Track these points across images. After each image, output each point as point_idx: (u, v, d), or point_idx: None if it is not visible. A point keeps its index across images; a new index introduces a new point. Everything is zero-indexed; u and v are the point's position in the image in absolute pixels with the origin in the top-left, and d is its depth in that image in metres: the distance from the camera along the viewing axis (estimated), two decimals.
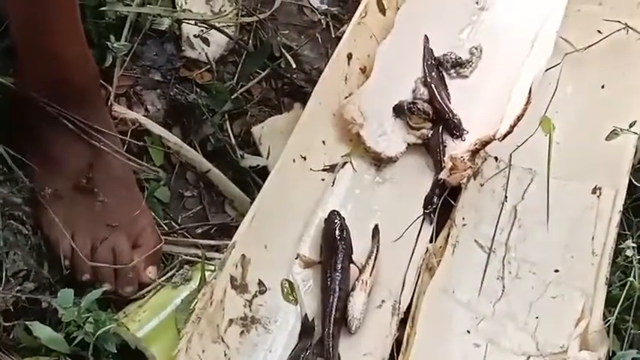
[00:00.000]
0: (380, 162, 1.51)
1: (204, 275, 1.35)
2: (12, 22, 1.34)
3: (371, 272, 1.40)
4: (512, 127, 1.43)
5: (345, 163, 1.49)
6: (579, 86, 1.58)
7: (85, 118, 1.36)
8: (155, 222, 1.43)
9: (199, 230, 1.51)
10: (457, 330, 1.42)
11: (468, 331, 1.41)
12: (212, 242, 1.47)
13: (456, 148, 1.52)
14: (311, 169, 1.47)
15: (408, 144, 1.52)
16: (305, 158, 1.46)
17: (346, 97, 1.50)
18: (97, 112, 1.39)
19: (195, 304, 1.28)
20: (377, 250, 1.42)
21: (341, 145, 1.51)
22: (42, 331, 1.26)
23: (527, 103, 1.42)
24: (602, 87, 1.60)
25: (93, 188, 1.37)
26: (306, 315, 1.37)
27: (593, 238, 1.48)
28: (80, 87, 1.37)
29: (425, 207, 1.49)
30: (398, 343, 1.38)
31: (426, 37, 1.60)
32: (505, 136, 1.44)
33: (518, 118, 1.42)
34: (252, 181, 1.55)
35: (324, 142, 1.49)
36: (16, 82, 1.37)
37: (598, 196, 1.51)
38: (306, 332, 1.37)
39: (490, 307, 1.44)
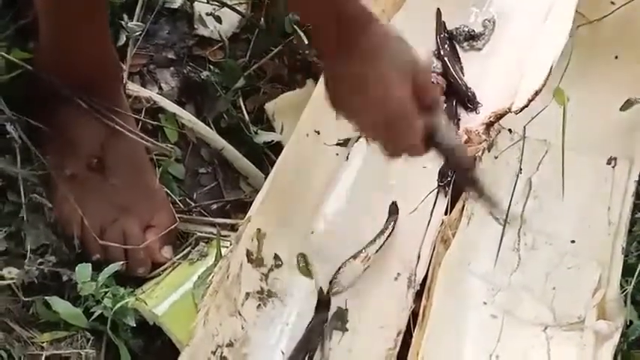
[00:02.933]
0: None
1: (220, 251, 1.36)
2: (38, 3, 1.34)
3: (378, 249, 1.41)
4: (529, 101, 1.43)
5: (359, 137, 1.50)
6: (592, 57, 1.58)
7: (101, 98, 1.37)
8: (170, 199, 1.44)
9: (214, 207, 1.52)
10: (473, 301, 1.43)
11: (485, 303, 1.43)
12: (227, 221, 1.48)
13: (470, 121, 1.53)
14: (325, 144, 1.48)
15: None
16: (319, 133, 1.47)
17: None
18: (113, 93, 1.40)
19: (212, 278, 1.29)
20: (392, 228, 1.43)
21: None
22: (61, 306, 1.27)
23: (547, 78, 1.43)
24: (616, 57, 1.62)
25: (105, 168, 1.38)
26: (321, 288, 1.39)
27: (609, 208, 1.50)
28: (100, 71, 1.38)
29: (440, 180, 1.50)
30: (414, 316, 1.39)
31: (438, 10, 1.61)
32: (522, 109, 1.44)
33: (536, 93, 1.43)
34: (266, 157, 1.56)
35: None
36: (33, 62, 1.38)
37: (613, 167, 1.52)
38: (321, 306, 1.38)
39: (506, 278, 1.45)
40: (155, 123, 1.49)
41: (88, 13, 1.33)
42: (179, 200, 1.48)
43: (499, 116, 1.48)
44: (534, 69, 1.48)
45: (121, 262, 1.34)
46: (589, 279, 1.44)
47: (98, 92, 1.37)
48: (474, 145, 1.48)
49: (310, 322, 1.37)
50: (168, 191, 1.46)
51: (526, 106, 1.44)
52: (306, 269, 1.40)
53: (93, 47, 1.35)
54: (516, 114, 1.46)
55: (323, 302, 1.38)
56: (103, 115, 1.37)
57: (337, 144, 1.50)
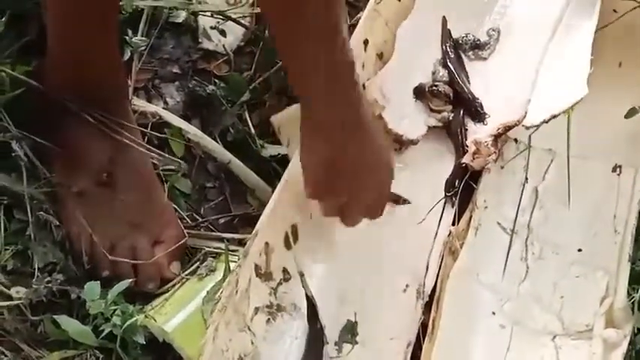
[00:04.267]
0: (401, 145, 1.47)
1: (229, 265, 1.33)
2: (50, 18, 1.32)
3: None
4: (544, 122, 1.41)
5: None
6: (596, 65, 1.53)
7: (109, 113, 1.35)
8: (178, 214, 1.42)
9: (222, 221, 1.48)
10: (482, 312, 1.40)
11: (493, 313, 1.40)
12: (235, 235, 1.45)
13: (477, 132, 1.49)
14: None
15: (429, 127, 1.48)
16: None
17: (368, 79, 1.47)
18: (121, 108, 1.38)
19: (220, 293, 1.26)
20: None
21: None
22: (69, 325, 1.24)
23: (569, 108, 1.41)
24: (620, 65, 1.58)
25: (114, 184, 1.35)
26: (307, 295, 1.33)
27: (615, 216, 1.46)
28: (109, 85, 1.36)
29: (447, 190, 1.46)
30: (424, 327, 1.36)
31: (444, 18, 1.56)
32: (537, 127, 1.42)
33: (554, 117, 1.41)
34: (273, 170, 1.52)
35: None
36: (40, 79, 1.35)
37: (618, 174, 1.49)
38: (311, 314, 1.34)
39: (514, 288, 1.42)
40: (162, 136, 1.46)
41: (100, 25, 1.30)
42: (186, 215, 1.45)
43: (508, 128, 1.45)
44: (552, 88, 1.46)
45: (131, 280, 1.31)
46: (596, 287, 1.41)
47: (106, 107, 1.35)
48: (483, 157, 1.46)
49: (308, 334, 1.33)
50: (176, 206, 1.43)
51: (540, 125, 1.42)
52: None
53: (103, 60, 1.33)
54: (527, 129, 1.44)
55: (311, 310, 1.34)
56: (111, 129, 1.35)
57: None
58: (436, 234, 1.43)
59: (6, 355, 1.19)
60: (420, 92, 1.50)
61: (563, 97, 1.42)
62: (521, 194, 1.47)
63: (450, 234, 1.43)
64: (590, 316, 1.39)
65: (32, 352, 1.22)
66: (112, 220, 1.34)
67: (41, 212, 1.30)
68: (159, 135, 1.45)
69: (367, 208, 1.30)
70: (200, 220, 1.46)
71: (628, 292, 1.40)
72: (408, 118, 1.47)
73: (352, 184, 1.25)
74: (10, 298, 1.23)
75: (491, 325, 1.39)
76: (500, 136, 1.46)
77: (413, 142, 1.47)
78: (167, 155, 1.43)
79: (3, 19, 1.38)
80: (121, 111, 1.37)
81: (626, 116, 1.51)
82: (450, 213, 1.45)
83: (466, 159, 1.46)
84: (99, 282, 1.28)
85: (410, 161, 1.48)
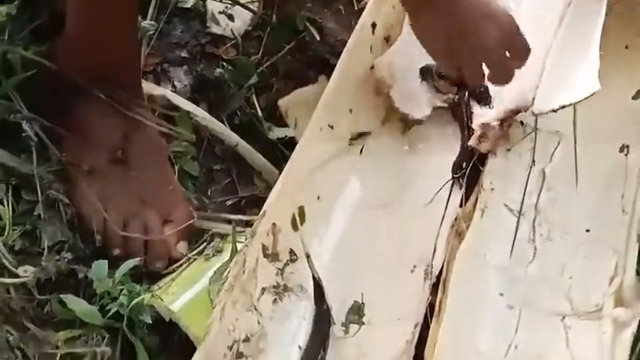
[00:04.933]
0: (406, 125, 1.45)
1: (236, 246, 1.30)
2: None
3: None
4: (553, 111, 1.39)
5: (372, 131, 1.44)
6: (603, 47, 1.50)
7: (122, 90, 1.33)
8: (186, 196, 1.40)
9: (229, 203, 1.47)
10: (490, 293, 1.37)
11: (501, 294, 1.37)
12: (242, 217, 1.43)
13: (483, 115, 1.46)
14: (339, 138, 1.42)
15: (435, 107, 1.46)
16: (332, 127, 1.41)
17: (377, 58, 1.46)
18: (134, 85, 1.37)
19: (227, 273, 1.24)
20: None
21: (368, 114, 1.45)
22: (76, 304, 1.22)
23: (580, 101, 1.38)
24: (626, 47, 1.55)
25: (127, 162, 1.33)
26: (313, 277, 1.31)
27: (622, 196, 1.44)
28: (124, 65, 1.34)
29: (454, 172, 1.43)
30: (431, 308, 1.33)
31: None
32: (546, 112, 1.40)
33: (563, 107, 1.38)
34: (280, 152, 1.51)
35: (351, 110, 1.43)
36: (53, 59, 1.33)
37: (626, 155, 1.46)
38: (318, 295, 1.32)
39: (522, 269, 1.39)
40: (172, 114, 1.45)
41: (120, 2, 1.29)
42: (194, 197, 1.43)
43: (514, 113, 1.43)
44: (562, 78, 1.42)
45: (139, 259, 1.29)
46: (605, 267, 1.39)
47: (120, 84, 1.33)
48: (490, 141, 1.44)
49: (314, 315, 1.31)
50: (184, 188, 1.41)
51: (547, 113, 1.40)
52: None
53: (122, 36, 1.32)
54: (534, 115, 1.41)
55: (317, 290, 1.32)
56: (125, 107, 1.33)
57: (351, 138, 1.43)
58: (444, 216, 1.41)
59: (12, 334, 1.17)
60: (426, 73, 1.47)
61: (573, 89, 1.39)
62: (528, 176, 1.45)
63: (456, 217, 1.40)
64: (600, 296, 1.36)
65: (38, 332, 1.20)
66: (124, 197, 1.33)
67: (51, 191, 1.28)
68: (169, 113, 1.44)
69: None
70: (207, 201, 1.45)
71: (637, 271, 1.38)
72: (414, 98, 1.44)
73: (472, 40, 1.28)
74: (17, 277, 1.21)
75: (499, 306, 1.36)
76: (507, 121, 1.44)
77: (418, 122, 1.45)
78: (181, 130, 1.42)
79: (15, 2, 1.37)
80: (135, 88, 1.36)
81: (634, 98, 1.48)
82: (457, 195, 1.43)
83: (472, 142, 1.44)
84: (106, 261, 1.26)
85: (416, 143, 1.46)
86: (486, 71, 1.33)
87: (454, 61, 1.34)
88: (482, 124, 1.44)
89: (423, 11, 1.29)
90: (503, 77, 1.34)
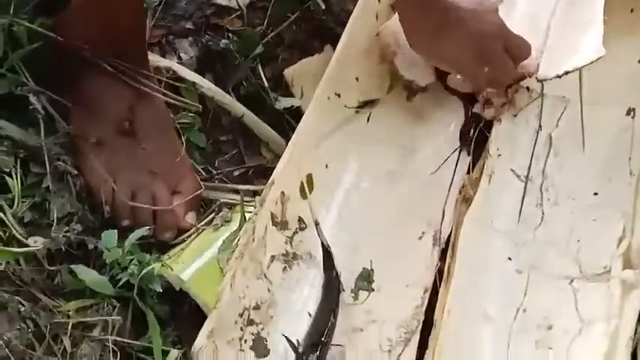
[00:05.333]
0: (411, 92, 1.44)
1: (244, 215, 1.30)
2: None
3: None
4: (557, 77, 1.37)
5: (379, 99, 1.43)
6: (608, 11, 1.48)
7: (129, 61, 1.32)
8: (193, 167, 1.39)
9: (236, 173, 1.46)
10: (498, 258, 1.37)
11: (509, 259, 1.36)
12: (250, 187, 1.42)
13: None
14: (345, 106, 1.41)
15: (439, 74, 1.44)
16: (339, 96, 1.40)
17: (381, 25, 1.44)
18: (140, 56, 1.35)
19: (237, 241, 1.24)
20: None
21: (374, 82, 1.44)
22: (87, 274, 1.22)
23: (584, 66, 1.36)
24: (632, 11, 1.53)
25: (134, 133, 1.32)
26: (322, 244, 1.30)
27: (629, 158, 1.42)
28: (131, 36, 1.33)
29: (461, 139, 1.43)
30: (440, 274, 1.33)
31: None
32: (550, 79, 1.38)
33: (566, 73, 1.36)
34: (287, 122, 1.49)
35: (357, 79, 1.42)
36: (59, 31, 1.32)
37: (632, 117, 1.45)
38: (327, 261, 1.31)
39: (530, 234, 1.39)
40: (178, 84, 1.43)
41: None
42: (201, 168, 1.42)
43: (520, 79, 1.41)
44: (567, 44, 1.40)
45: (148, 227, 1.28)
46: (613, 229, 1.38)
47: (126, 56, 1.32)
48: (494, 107, 1.43)
49: (324, 282, 1.30)
50: (191, 159, 1.40)
51: (552, 79, 1.37)
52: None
53: (128, 8, 1.30)
54: (539, 81, 1.39)
55: (326, 258, 1.31)
56: (131, 78, 1.32)
57: (358, 106, 1.42)
58: (451, 182, 1.40)
59: (23, 305, 1.16)
60: None
61: (578, 55, 1.38)
62: (535, 142, 1.44)
63: (464, 184, 1.40)
64: (608, 258, 1.36)
65: (49, 302, 1.19)
66: (133, 168, 1.32)
67: (59, 163, 1.27)
68: (175, 84, 1.42)
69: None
70: (215, 172, 1.44)
71: None
72: (419, 65, 1.43)
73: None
74: (27, 247, 1.20)
75: (507, 271, 1.36)
76: (511, 86, 1.43)
77: (423, 89, 1.44)
78: (188, 101, 1.41)
79: None
80: (142, 59, 1.35)
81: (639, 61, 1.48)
82: (464, 161, 1.42)
83: (477, 108, 1.44)
84: (115, 231, 1.25)
85: (422, 110, 1.45)
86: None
87: (453, 69, 1.40)
88: (486, 90, 1.43)
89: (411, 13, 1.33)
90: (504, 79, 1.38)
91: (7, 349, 1.12)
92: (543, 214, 1.40)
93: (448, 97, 1.45)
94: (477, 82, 1.39)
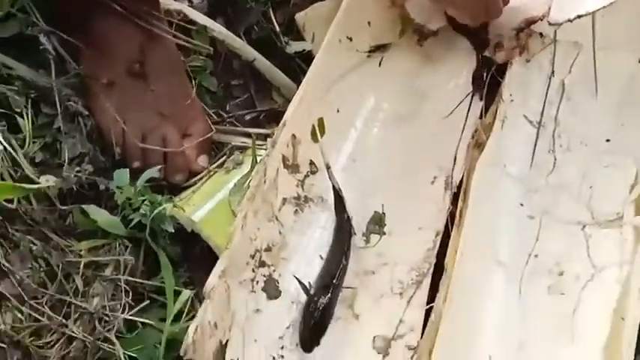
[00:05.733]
0: (422, 36, 1.43)
1: (256, 158, 1.30)
2: None
3: None
4: (569, 20, 1.34)
5: (391, 43, 1.42)
6: None
7: (139, 3, 1.32)
8: (204, 110, 1.39)
9: (248, 117, 1.46)
10: (510, 203, 1.36)
11: (521, 204, 1.36)
12: (262, 130, 1.42)
13: (498, 25, 1.43)
14: (357, 50, 1.40)
15: (450, 17, 1.42)
16: (351, 39, 1.39)
17: None
18: (151, 1, 1.34)
19: (249, 182, 1.24)
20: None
21: (386, 26, 1.43)
22: (98, 214, 1.22)
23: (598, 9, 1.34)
24: None
25: (145, 75, 1.32)
26: (334, 187, 1.31)
27: None
28: None
29: (473, 83, 1.41)
30: (452, 218, 1.32)
31: None
32: (560, 24, 1.36)
33: (579, 17, 1.34)
34: (298, 67, 1.49)
35: (369, 23, 1.41)
36: None
37: None
38: (338, 204, 1.31)
39: (542, 179, 1.38)
40: (189, 26, 1.43)
41: None
42: (212, 112, 1.43)
43: (530, 22, 1.40)
44: None
45: (159, 167, 1.29)
46: (626, 176, 1.37)
47: None
48: (505, 51, 1.42)
49: (335, 225, 1.30)
50: (202, 103, 1.40)
51: (564, 23, 1.35)
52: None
53: None
54: (550, 25, 1.37)
55: (338, 201, 1.31)
56: (142, 19, 1.31)
57: (370, 50, 1.41)
58: (464, 127, 1.39)
59: (35, 245, 1.18)
60: None
61: None
62: (548, 87, 1.42)
63: (476, 129, 1.39)
64: (620, 204, 1.35)
65: (61, 241, 1.20)
66: (143, 110, 1.32)
67: (69, 103, 1.28)
68: (187, 26, 1.42)
69: None
70: (226, 116, 1.44)
71: None
72: (430, 9, 1.42)
73: None
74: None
75: (520, 216, 1.35)
76: (523, 30, 1.42)
77: (434, 33, 1.43)
78: (197, 42, 1.40)
79: None
80: (152, 2, 1.34)
81: None
82: (477, 106, 1.41)
83: (488, 52, 1.42)
84: (127, 169, 1.26)
85: (433, 53, 1.44)
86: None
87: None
88: (497, 33, 1.42)
89: None
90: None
91: (19, 288, 1.14)
92: (555, 159, 1.39)
93: (459, 41, 1.44)
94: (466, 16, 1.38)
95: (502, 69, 1.43)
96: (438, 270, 1.28)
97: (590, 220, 1.35)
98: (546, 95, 1.42)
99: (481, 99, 1.41)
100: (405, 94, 1.42)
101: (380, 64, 1.42)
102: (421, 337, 1.24)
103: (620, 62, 1.44)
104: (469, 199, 1.32)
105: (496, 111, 1.40)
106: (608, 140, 1.40)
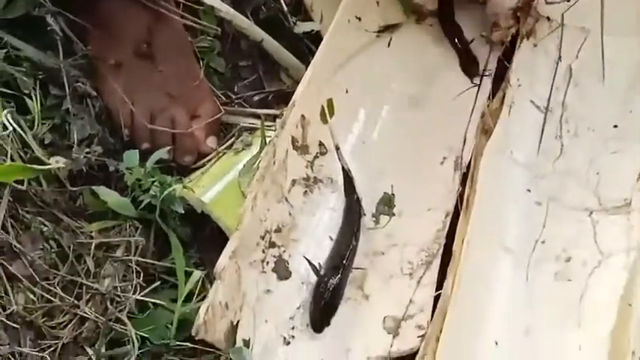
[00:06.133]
0: (421, 15, 1.45)
1: (265, 139, 1.31)
2: None
3: None
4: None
5: (400, 23, 1.44)
6: None
7: None
8: (212, 91, 1.40)
9: (256, 98, 1.47)
10: (517, 189, 1.37)
11: (529, 190, 1.37)
12: (270, 111, 1.43)
13: (496, 4, 1.45)
14: (366, 30, 1.42)
15: None
16: (360, 19, 1.41)
17: None
18: None
19: (258, 164, 1.25)
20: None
21: (395, 6, 1.44)
22: (109, 195, 1.23)
23: None
24: None
25: (153, 56, 1.33)
26: (343, 168, 1.32)
27: None
28: None
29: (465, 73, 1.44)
30: (461, 198, 1.34)
31: None
32: (559, 2, 1.38)
33: None
34: (307, 47, 1.50)
35: (377, 2, 1.43)
36: None
37: None
38: (347, 185, 1.33)
39: (549, 165, 1.39)
40: (196, 7, 1.43)
41: None
42: (221, 93, 1.43)
43: (527, 1, 1.42)
44: None
45: (169, 148, 1.30)
46: (633, 162, 1.38)
47: None
48: (502, 30, 1.43)
49: (345, 206, 1.32)
50: (210, 84, 1.41)
51: (561, 1, 1.38)
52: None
53: None
54: (547, 3, 1.40)
55: (347, 182, 1.33)
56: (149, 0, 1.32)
57: (378, 30, 1.43)
58: (473, 108, 1.41)
59: (46, 226, 1.18)
60: None
61: None
62: (555, 72, 1.44)
63: (483, 114, 1.40)
64: (627, 191, 1.36)
65: (72, 223, 1.21)
66: (151, 91, 1.33)
67: (78, 84, 1.28)
68: (194, 6, 1.42)
69: None
70: (234, 97, 1.45)
71: None
72: None
73: None
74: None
75: (527, 202, 1.37)
76: (521, 10, 1.43)
77: (432, 14, 1.45)
78: (205, 23, 1.40)
79: None
80: None
81: None
82: (486, 88, 1.43)
83: (485, 32, 1.44)
84: (137, 151, 1.27)
85: (441, 34, 1.46)
86: None
87: None
88: (494, 13, 1.43)
89: None
90: None
91: (31, 269, 1.14)
92: (563, 145, 1.40)
93: (466, 21, 1.46)
94: None
95: (509, 53, 1.44)
96: (448, 251, 1.30)
97: (598, 206, 1.36)
98: (553, 80, 1.43)
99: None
100: (415, 75, 1.44)
101: (389, 44, 1.43)
102: (431, 318, 1.25)
103: (628, 48, 1.45)
104: (477, 186, 1.33)
105: (503, 97, 1.41)
106: (615, 126, 1.42)
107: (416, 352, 1.21)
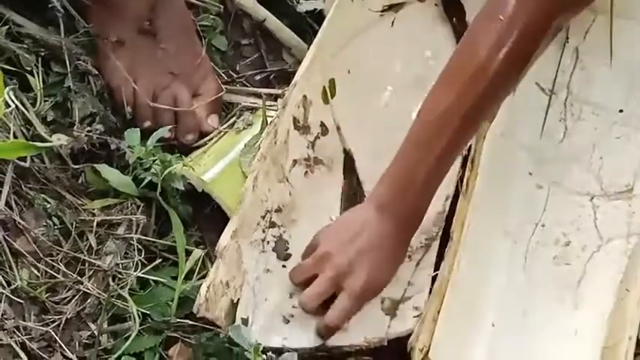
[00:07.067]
0: None
1: (266, 119, 1.38)
2: None
3: None
4: None
5: (404, 3, 1.50)
6: None
7: None
8: (214, 70, 1.46)
9: (258, 77, 1.53)
10: (519, 172, 1.44)
11: (530, 173, 1.43)
12: (272, 91, 1.49)
13: None
14: (370, 10, 1.48)
15: None
16: None
17: None
18: None
19: (259, 143, 1.32)
20: None
21: None
22: (110, 174, 1.31)
23: None
24: None
25: (155, 33, 1.39)
26: (344, 149, 1.39)
27: None
28: None
29: None
30: (462, 182, 1.39)
31: None
32: None
33: None
34: (310, 27, 1.56)
35: None
36: None
37: None
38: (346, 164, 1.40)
39: (552, 148, 1.46)
40: None
41: None
42: (223, 72, 1.49)
43: None
44: None
45: (170, 126, 1.36)
46: (637, 147, 1.45)
47: None
48: None
49: (345, 187, 1.39)
50: (212, 63, 1.47)
51: None
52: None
53: None
54: None
55: (348, 163, 1.40)
56: None
57: (382, 10, 1.49)
58: None
59: (49, 203, 1.25)
60: None
61: None
62: (562, 54, 1.50)
63: None
64: (631, 176, 1.42)
65: (74, 200, 1.28)
66: (153, 69, 1.39)
67: (80, 62, 1.35)
68: None
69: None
70: (236, 76, 1.50)
71: None
72: None
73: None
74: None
75: (528, 185, 1.42)
76: None
77: None
78: (208, 1, 1.46)
79: None
80: None
81: None
82: None
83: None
84: (138, 129, 1.33)
85: (434, 12, 1.52)
86: None
87: None
88: None
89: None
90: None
91: (34, 245, 1.22)
92: (566, 129, 1.47)
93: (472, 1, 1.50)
94: None
95: None
96: (446, 233, 1.35)
97: (599, 191, 1.42)
98: (559, 62, 1.49)
99: None
100: (418, 55, 1.50)
101: (392, 24, 1.49)
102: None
103: (636, 31, 1.51)
104: (478, 168, 1.38)
105: None
106: (621, 111, 1.48)
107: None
